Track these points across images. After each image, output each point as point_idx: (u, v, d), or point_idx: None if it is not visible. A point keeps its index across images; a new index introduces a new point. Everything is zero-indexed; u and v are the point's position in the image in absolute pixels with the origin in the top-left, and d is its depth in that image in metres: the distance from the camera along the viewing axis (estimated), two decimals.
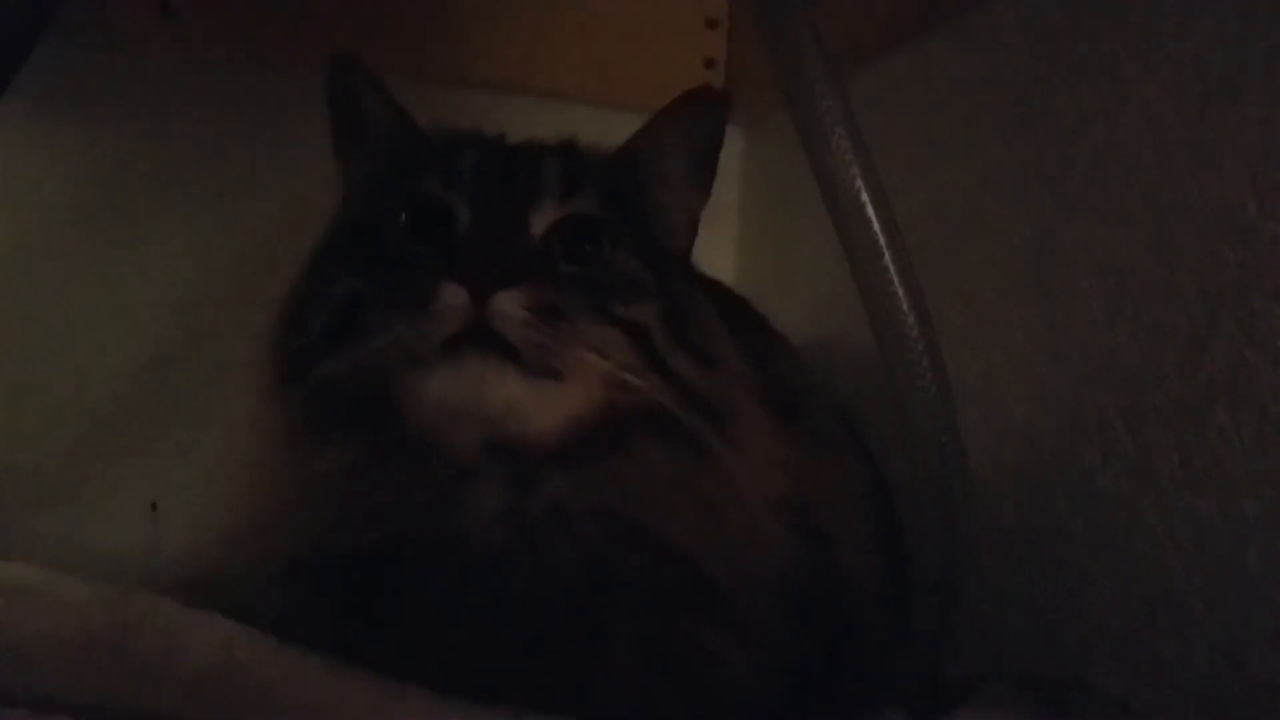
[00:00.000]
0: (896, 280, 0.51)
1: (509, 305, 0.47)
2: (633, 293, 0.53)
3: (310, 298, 0.55)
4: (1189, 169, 0.59)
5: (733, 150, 1.10)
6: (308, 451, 0.52)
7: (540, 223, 0.53)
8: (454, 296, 0.47)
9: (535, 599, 0.49)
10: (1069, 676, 0.62)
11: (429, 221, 0.53)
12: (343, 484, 0.50)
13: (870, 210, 0.50)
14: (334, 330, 0.51)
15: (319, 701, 0.47)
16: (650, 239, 0.57)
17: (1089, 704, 0.60)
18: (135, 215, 0.90)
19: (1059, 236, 0.68)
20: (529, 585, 0.49)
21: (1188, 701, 0.57)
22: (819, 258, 0.98)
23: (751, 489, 0.53)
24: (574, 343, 0.49)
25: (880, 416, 0.81)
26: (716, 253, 1.04)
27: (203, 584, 0.53)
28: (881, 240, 0.50)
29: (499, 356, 0.47)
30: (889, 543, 0.67)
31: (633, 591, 0.50)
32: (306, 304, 0.55)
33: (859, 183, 0.50)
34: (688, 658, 0.51)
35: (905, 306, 0.51)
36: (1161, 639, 0.59)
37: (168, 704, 0.45)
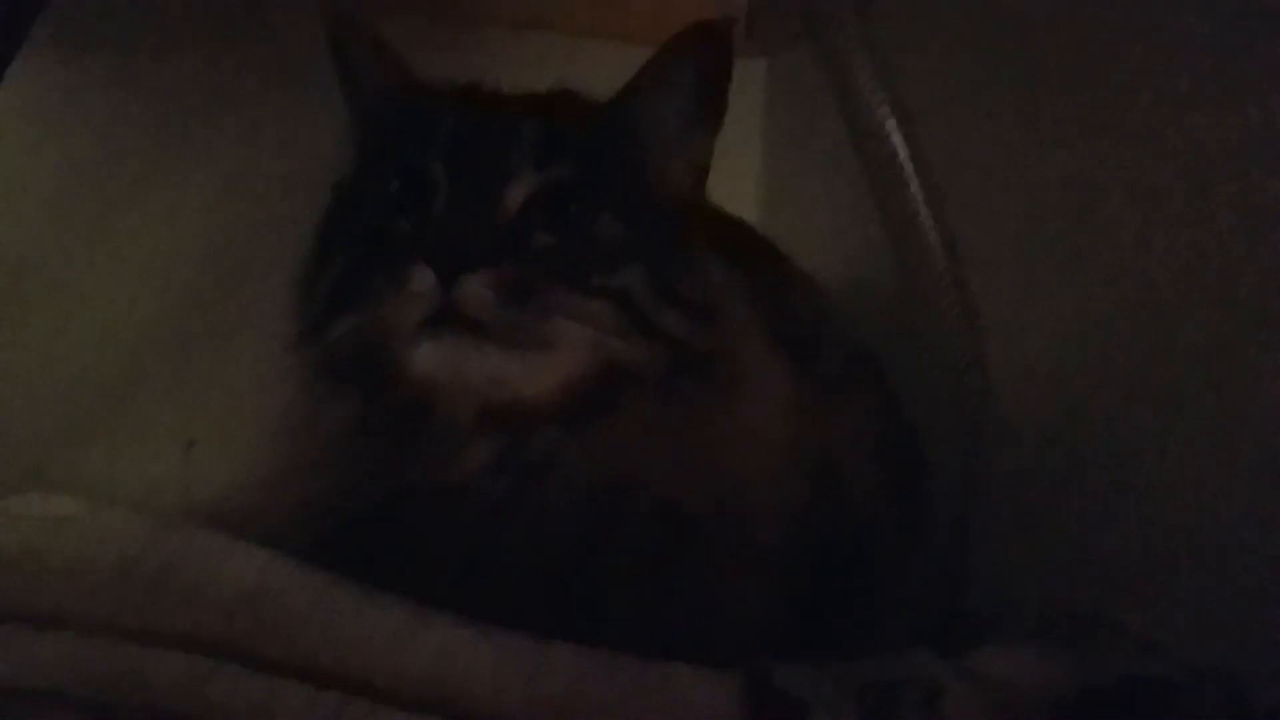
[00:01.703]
0: (922, 210, 0.50)
1: (475, 287, 0.48)
2: (614, 259, 0.53)
3: (321, 259, 0.57)
4: (1224, 94, 0.57)
5: (754, 83, 1.09)
6: (320, 408, 0.54)
7: (516, 194, 0.52)
8: (422, 280, 0.48)
9: (537, 544, 0.51)
10: (1093, 612, 0.62)
11: (411, 192, 0.53)
12: (349, 439, 0.53)
13: (895, 138, 0.49)
14: (337, 296, 0.53)
15: (349, 625, 0.48)
16: (641, 193, 0.56)
17: (1113, 640, 0.60)
18: (165, 159, 0.90)
19: (1089, 163, 0.67)
20: (530, 532, 0.51)
21: (1214, 639, 0.57)
22: (844, 193, 0.96)
23: (753, 435, 0.54)
24: (548, 317, 0.50)
25: (906, 356, 0.81)
26: (738, 189, 1.03)
27: (236, 518, 0.55)
28: (907, 168, 0.49)
29: (473, 335, 0.49)
30: (910, 483, 0.67)
31: (631, 535, 0.52)
32: (318, 264, 0.56)
33: (884, 109, 0.49)
34: (690, 595, 0.53)
35: (931, 236, 0.50)
36: (1188, 575, 0.59)
37: (205, 628, 0.46)
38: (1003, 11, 0.76)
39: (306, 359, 0.54)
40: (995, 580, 0.67)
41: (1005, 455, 0.65)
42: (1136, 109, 0.63)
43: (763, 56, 1.10)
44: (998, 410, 0.60)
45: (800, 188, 1.07)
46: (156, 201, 0.90)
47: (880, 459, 0.64)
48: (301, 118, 0.90)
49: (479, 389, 0.50)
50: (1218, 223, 0.57)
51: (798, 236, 0.79)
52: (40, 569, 0.48)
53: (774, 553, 0.54)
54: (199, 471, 0.87)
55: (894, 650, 0.56)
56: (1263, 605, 0.53)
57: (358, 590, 0.50)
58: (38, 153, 0.87)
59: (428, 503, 0.51)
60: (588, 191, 0.53)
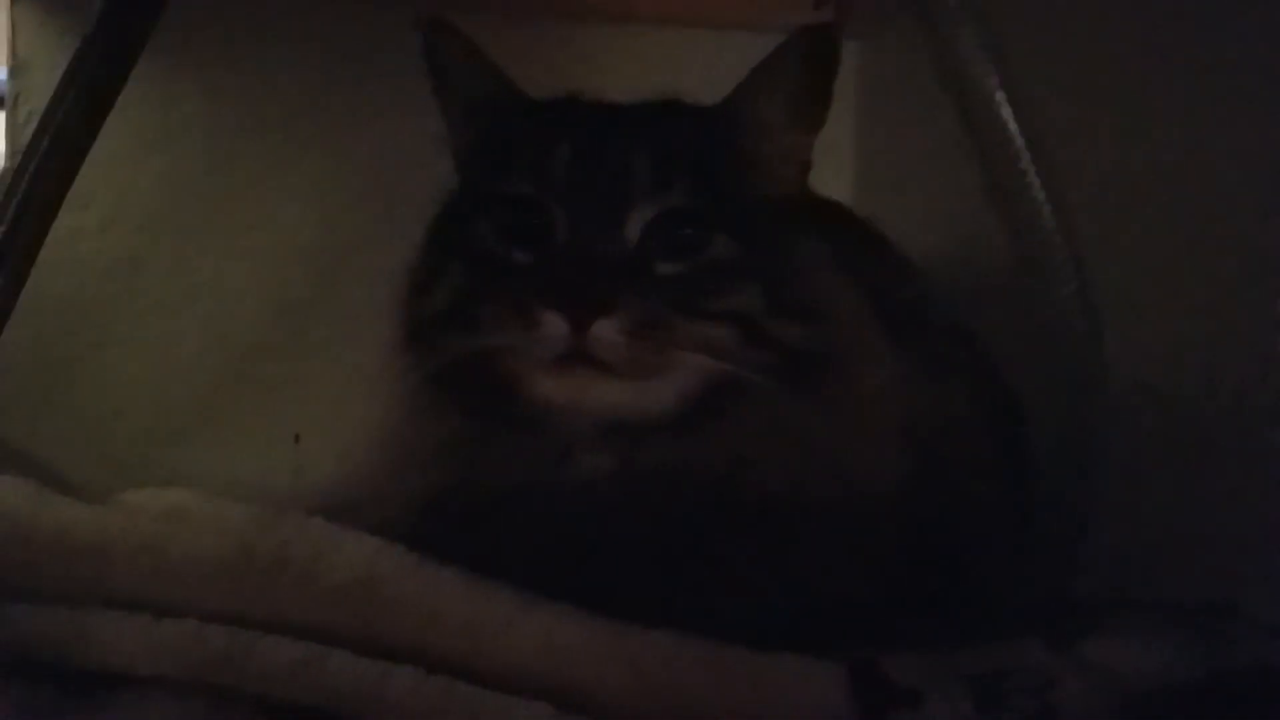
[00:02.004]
0: (1035, 186, 0.49)
1: (607, 332, 0.49)
2: (732, 282, 0.53)
3: (431, 273, 0.57)
4: None
5: (848, 65, 1.07)
6: (435, 415, 0.55)
7: (635, 224, 0.53)
8: (554, 326, 0.49)
9: (651, 538, 0.52)
10: (1213, 601, 0.60)
11: (527, 223, 0.54)
12: (466, 446, 0.54)
13: (1004, 112, 0.48)
14: (453, 313, 0.55)
15: (456, 611, 0.49)
16: (751, 202, 0.56)
17: (1240, 631, 0.57)
18: (262, 167, 0.93)
19: (1208, 136, 0.64)
20: (644, 527, 0.52)
21: None
22: (941, 174, 0.95)
23: (864, 424, 0.54)
24: (673, 349, 0.51)
25: (1009, 335, 0.79)
26: (833, 171, 1.01)
27: (344, 509, 0.56)
28: (1018, 143, 0.48)
29: (600, 372, 0.50)
30: (1014, 464, 0.65)
31: (744, 525, 0.53)
32: (428, 277, 0.57)
33: (993, 81, 0.48)
34: (801, 582, 0.53)
35: (1045, 212, 0.48)
36: None
37: (318, 614, 0.48)
38: None
39: (417, 371, 0.55)
40: (1109, 566, 0.64)
41: (1122, 436, 0.62)
42: (1259, 80, 0.61)
43: (855, 39, 1.08)
44: (1113, 389, 0.57)
45: (897, 170, 1.05)
46: (262, 204, 0.93)
47: (985, 440, 0.62)
48: (402, 123, 0.92)
49: (596, 414, 0.52)
50: None
51: (893, 218, 0.78)
52: (158, 560, 0.50)
53: (881, 539, 0.54)
54: (305, 465, 0.90)
55: (1002, 639, 0.55)
56: None
57: (465, 577, 0.50)
58: (147, 160, 0.90)
59: (541, 503, 0.53)
60: (703, 212, 0.54)
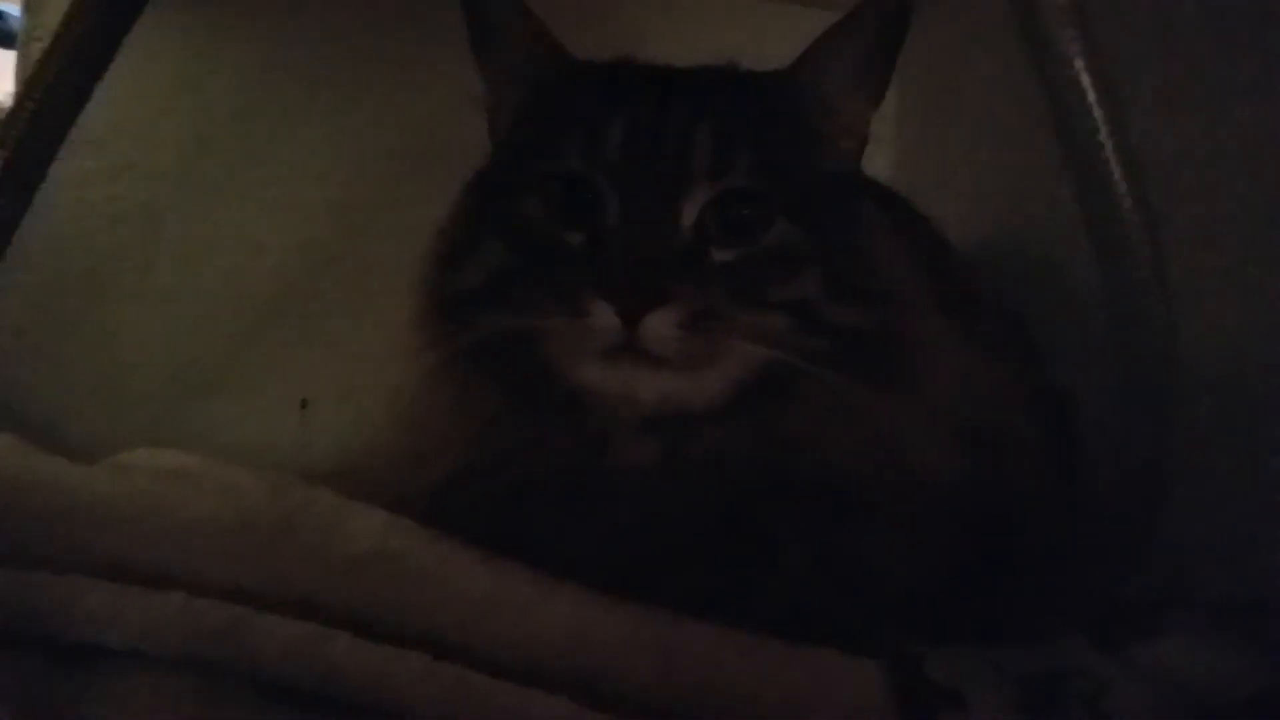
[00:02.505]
0: (1115, 165, 0.45)
1: (660, 325, 0.47)
2: (790, 269, 0.51)
3: (464, 247, 0.54)
4: None
5: None
6: (464, 393, 0.53)
7: (692, 209, 0.50)
8: (605, 317, 0.47)
9: (693, 524, 0.50)
10: (1275, 604, 0.56)
11: (577, 200, 0.51)
12: (496, 426, 0.52)
13: (1092, 95, 0.45)
14: (492, 290, 0.52)
15: (472, 590, 0.46)
16: (811, 180, 0.53)
17: None
18: (290, 116, 0.90)
19: (1273, 116, 0.61)
20: (687, 514, 0.50)
21: None
22: (984, 157, 0.92)
23: (926, 408, 0.52)
24: (725, 339, 0.48)
25: (1058, 324, 0.76)
26: (874, 152, 0.98)
27: (353, 479, 0.54)
28: (1103, 128, 0.45)
29: (651, 363, 0.48)
30: (1062, 453, 0.63)
31: (795, 511, 0.50)
32: (461, 250, 0.54)
33: (1079, 64, 0.44)
34: (851, 566, 0.51)
35: (1122, 188, 0.45)
36: None
37: (324, 589, 0.44)
38: None
39: (445, 347, 0.52)
40: (1164, 565, 0.61)
41: (1185, 430, 0.59)
42: None
43: None
44: (1179, 381, 0.54)
45: (938, 152, 1.01)
46: (287, 157, 0.89)
47: (1038, 426, 0.60)
48: (437, 80, 0.88)
49: (646, 405, 0.49)
50: None
51: (934, 202, 0.74)
52: (154, 524, 0.46)
53: (932, 526, 0.51)
54: (313, 431, 0.87)
55: (1051, 638, 0.52)
56: None
57: (483, 556, 0.48)
58: (170, 105, 0.87)
59: (580, 489, 0.50)
60: (764, 193, 0.51)
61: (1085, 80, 0.47)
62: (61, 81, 0.52)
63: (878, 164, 0.90)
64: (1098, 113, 0.47)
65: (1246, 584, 0.60)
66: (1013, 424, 0.58)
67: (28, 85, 0.57)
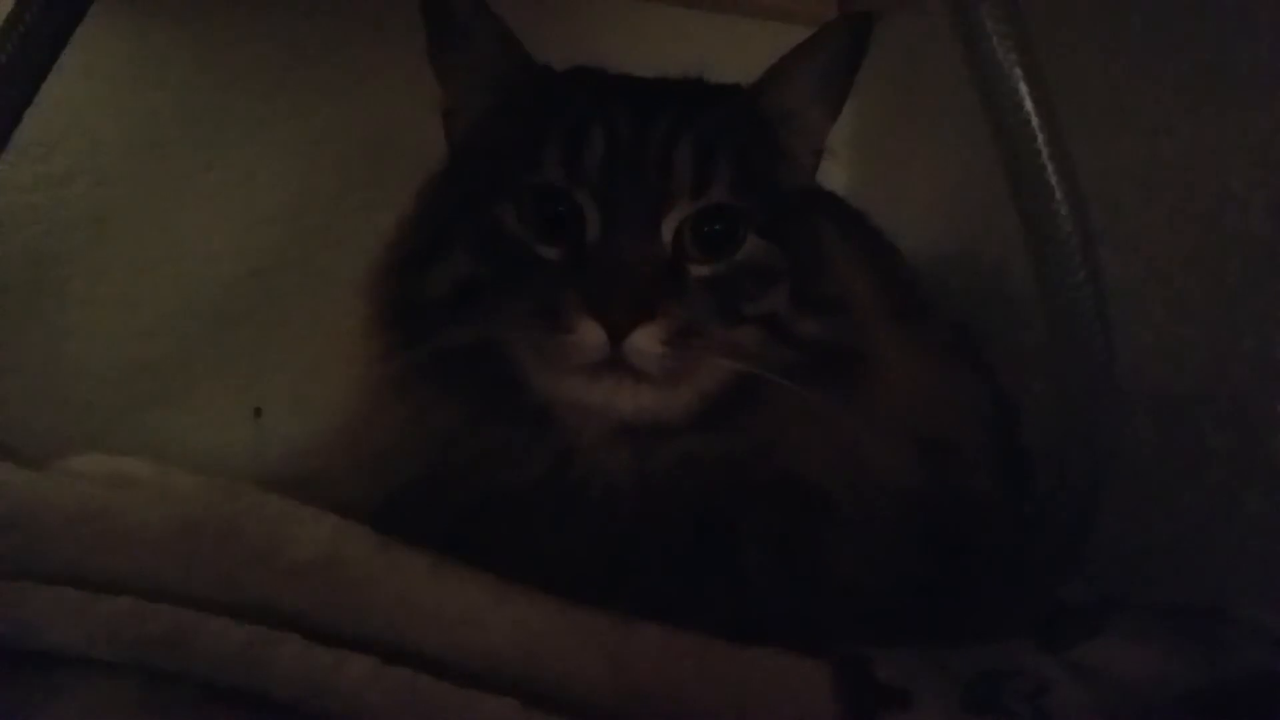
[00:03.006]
0: (1052, 171, 0.47)
1: (646, 342, 0.47)
2: (763, 283, 0.52)
3: (426, 255, 0.53)
4: None
5: None
6: (423, 404, 0.52)
7: (671, 224, 0.50)
8: (591, 334, 0.47)
9: (657, 533, 0.50)
10: (1210, 606, 0.58)
11: (554, 217, 0.51)
12: (456, 437, 0.51)
13: (1029, 104, 0.46)
14: (455, 301, 0.52)
15: (422, 594, 0.46)
16: (777, 194, 0.54)
17: (1233, 636, 0.55)
18: (241, 122, 0.89)
19: (1214, 130, 0.63)
20: (652, 523, 0.50)
21: None
22: (936, 171, 0.93)
23: (884, 416, 0.53)
24: (703, 354, 0.49)
25: (1004, 335, 0.77)
26: (827, 164, 1.00)
27: (306, 487, 0.54)
28: (1039, 136, 0.46)
29: (633, 378, 0.48)
30: (1012, 461, 0.65)
31: (759, 515, 0.51)
32: (422, 258, 0.53)
33: (1017, 69, 0.46)
34: (811, 569, 0.52)
35: (1059, 198, 0.46)
36: None
37: (272, 593, 0.45)
38: None
39: (404, 356, 0.52)
40: (1105, 570, 0.63)
41: (1122, 438, 0.61)
42: (1270, 71, 0.59)
43: None
44: (1116, 390, 0.55)
45: (891, 166, 1.03)
46: (236, 163, 0.88)
47: (988, 434, 0.61)
48: (390, 85, 0.88)
49: (621, 418, 0.50)
50: None
51: (887, 214, 0.76)
52: (102, 529, 0.46)
53: (888, 531, 0.52)
54: (267, 439, 0.86)
55: (996, 640, 0.53)
56: None
57: (433, 562, 0.48)
58: (120, 110, 0.86)
59: (546, 499, 0.50)
60: (737, 210, 0.52)
61: (1025, 98, 0.49)
62: (5, 85, 0.51)
63: (834, 177, 0.92)
64: (1038, 129, 0.48)
65: (1182, 588, 0.62)
66: (963, 432, 0.59)
67: None
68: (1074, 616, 0.59)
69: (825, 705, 0.46)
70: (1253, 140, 0.60)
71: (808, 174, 0.58)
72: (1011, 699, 0.48)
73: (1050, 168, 0.47)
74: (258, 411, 0.87)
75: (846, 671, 0.47)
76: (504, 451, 0.51)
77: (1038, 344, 0.60)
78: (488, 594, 0.47)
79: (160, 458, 0.64)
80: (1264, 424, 0.58)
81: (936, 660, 0.49)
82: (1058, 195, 0.47)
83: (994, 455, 0.61)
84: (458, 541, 0.50)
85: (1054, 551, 0.55)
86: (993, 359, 0.72)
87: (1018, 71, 0.47)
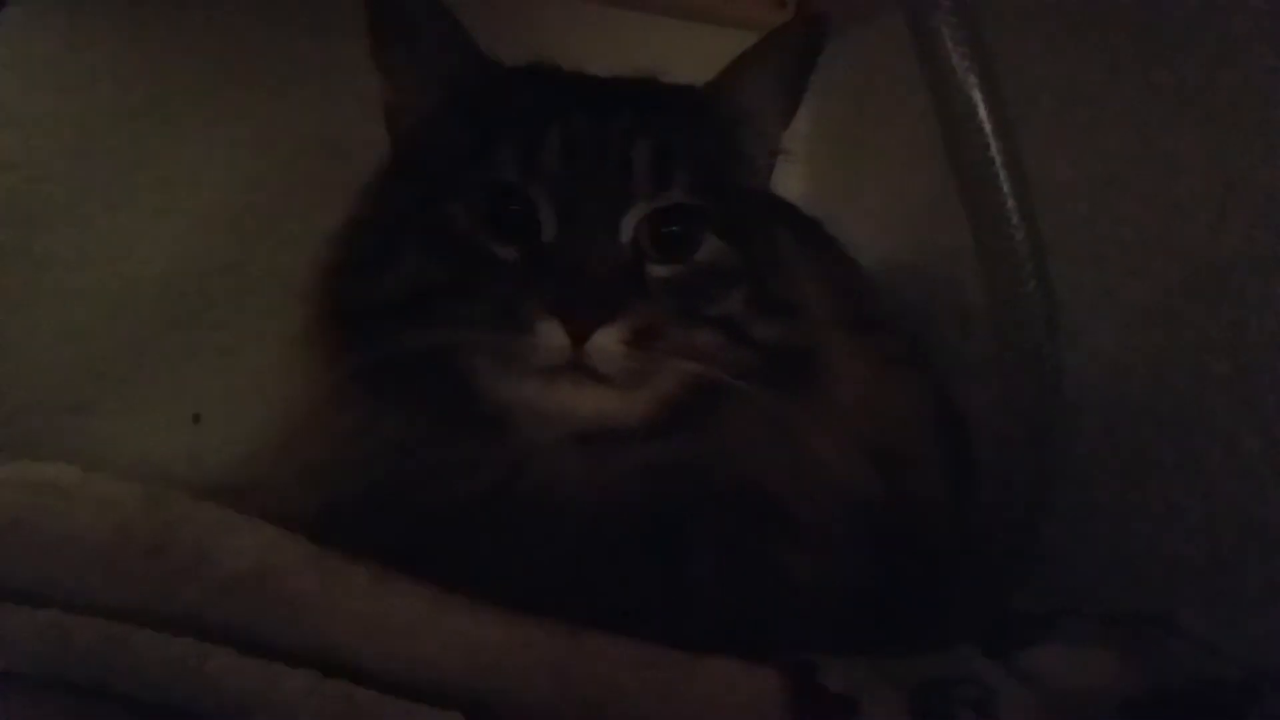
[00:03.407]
0: (1004, 180, 0.47)
1: (607, 343, 0.46)
2: (722, 285, 0.51)
3: (375, 256, 0.51)
4: None
5: None
6: (370, 410, 0.51)
7: (630, 224, 0.50)
8: (552, 336, 0.46)
9: (611, 539, 0.50)
10: (1151, 614, 0.59)
11: (510, 216, 0.50)
12: (406, 444, 0.50)
13: (983, 115, 0.46)
14: (405, 304, 0.50)
15: (360, 606, 0.45)
16: (733, 197, 0.54)
17: (1173, 644, 0.56)
18: (179, 120, 0.87)
19: (1162, 141, 0.63)
20: (606, 529, 0.50)
21: (1278, 643, 0.53)
22: (891, 181, 0.94)
23: (837, 423, 0.53)
24: (665, 358, 0.48)
25: (954, 345, 0.78)
26: (784, 172, 1.00)
27: (246, 495, 0.52)
28: (993, 146, 0.46)
29: (593, 381, 0.47)
30: (959, 470, 0.65)
31: (710, 520, 0.51)
32: (370, 262, 0.51)
33: (972, 79, 0.46)
34: (762, 575, 0.51)
35: (1011, 206, 0.46)
36: (1253, 576, 0.56)
37: (204, 605, 0.43)
38: None
39: (348, 363, 0.50)
40: (1049, 579, 0.63)
41: (1068, 449, 0.61)
42: (1217, 87, 0.60)
43: None
44: (1064, 400, 0.56)
45: (847, 176, 1.03)
46: (176, 161, 0.86)
47: (938, 444, 0.61)
48: (331, 83, 0.87)
49: (579, 422, 0.49)
50: None
51: (844, 220, 0.76)
52: (27, 539, 0.44)
53: (841, 540, 0.52)
54: (206, 446, 0.84)
55: (943, 647, 0.54)
56: None
57: (373, 573, 0.47)
58: (56, 106, 0.83)
59: (499, 506, 0.49)
60: (696, 211, 0.51)
61: (980, 108, 0.49)
62: None
63: (790, 186, 0.92)
64: (992, 140, 0.49)
65: (1127, 597, 0.63)
66: (913, 441, 0.59)
67: None
68: (1020, 624, 0.59)
69: (775, 713, 0.46)
70: (1197, 154, 0.61)
71: (764, 177, 0.57)
72: (958, 706, 0.48)
73: (1003, 178, 0.48)
74: (196, 417, 0.85)
75: (795, 679, 0.47)
76: (454, 461, 0.50)
77: (987, 354, 0.60)
78: (430, 605, 0.46)
79: (95, 464, 0.62)
80: (1204, 434, 0.59)
81: (884, 668, 0.49)
82: (1009, 205, 0.48)
83: (943, 465, 0.61)
84: (403, 553, 0.48)
85: (1001, 560, 0.55)
86: (943, 368, 0.73)
87: (973, 81, 0.48)
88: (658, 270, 0.50)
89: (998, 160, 0.48)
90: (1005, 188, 0.48)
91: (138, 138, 0.85)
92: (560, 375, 0.47)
